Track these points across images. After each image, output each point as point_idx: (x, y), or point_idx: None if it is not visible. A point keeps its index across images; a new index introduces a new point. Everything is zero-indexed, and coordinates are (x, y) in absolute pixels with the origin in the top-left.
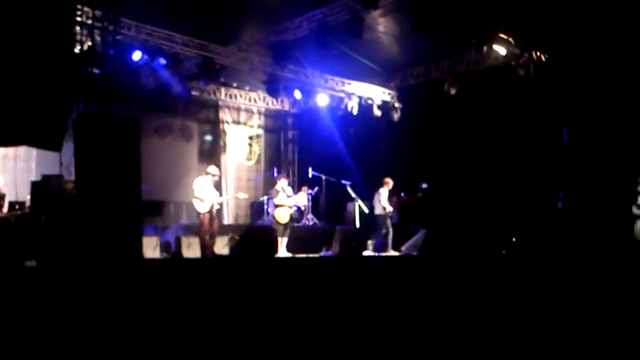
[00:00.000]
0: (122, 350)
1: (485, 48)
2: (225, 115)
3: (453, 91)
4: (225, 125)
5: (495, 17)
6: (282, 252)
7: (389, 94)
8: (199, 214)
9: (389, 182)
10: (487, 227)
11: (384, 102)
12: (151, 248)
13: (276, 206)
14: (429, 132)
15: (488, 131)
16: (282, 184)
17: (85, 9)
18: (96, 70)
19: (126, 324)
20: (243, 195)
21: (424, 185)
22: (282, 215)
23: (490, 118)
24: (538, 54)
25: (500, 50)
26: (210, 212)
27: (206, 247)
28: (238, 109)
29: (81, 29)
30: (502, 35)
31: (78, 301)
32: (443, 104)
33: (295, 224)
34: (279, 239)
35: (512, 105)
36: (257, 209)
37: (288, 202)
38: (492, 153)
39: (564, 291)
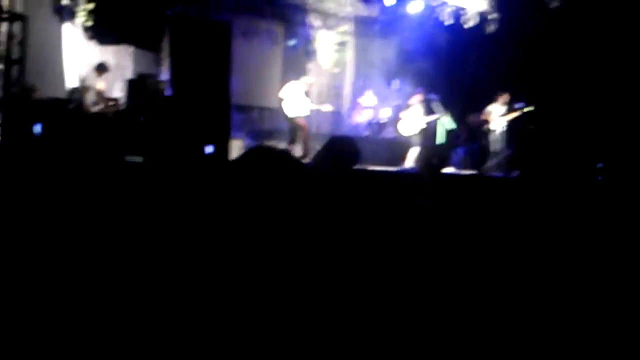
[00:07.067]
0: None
1: None
2: (313, 20)
3: (555, 4)
4: (312, 30)
5: None
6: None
7: (486, 2)
8: (293, 119)
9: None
10: (580, 150)
11: (480, 13)
12: (237, 150)
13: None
14: (526, 47)
15: (593, 49)
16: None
17: None
18: None
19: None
20: (328, 108)
21: (518, 105)
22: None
23: (596, 35)
24: None
25: None
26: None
27: (308, 151)
28: (326, 14)
29: None
30: None
31: (174, 197)
32: (545, 17)
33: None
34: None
35: (621, 19)
36: (337, 119)
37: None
38: (595, 73)
39: None
